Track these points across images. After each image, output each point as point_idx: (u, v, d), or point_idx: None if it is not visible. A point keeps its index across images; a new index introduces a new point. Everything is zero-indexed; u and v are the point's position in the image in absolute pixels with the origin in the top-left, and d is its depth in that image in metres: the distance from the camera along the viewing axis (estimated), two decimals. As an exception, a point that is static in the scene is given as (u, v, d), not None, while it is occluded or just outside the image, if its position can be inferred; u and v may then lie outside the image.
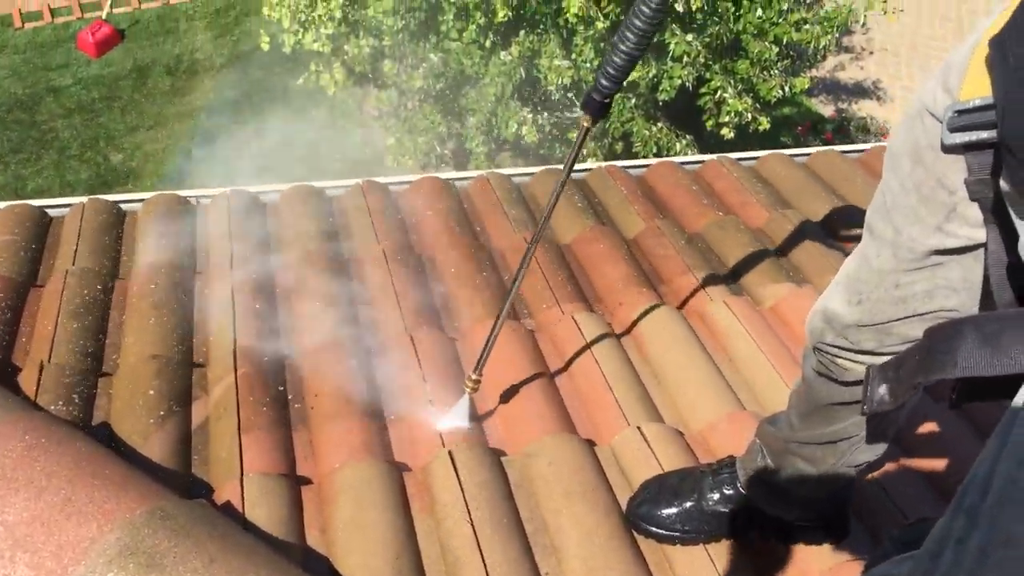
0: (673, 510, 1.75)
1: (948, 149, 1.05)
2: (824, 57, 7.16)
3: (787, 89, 6.10)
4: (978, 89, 0.99)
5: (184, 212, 2.59)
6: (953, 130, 1.02)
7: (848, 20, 5.94)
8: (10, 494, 1.50)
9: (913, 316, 1.23)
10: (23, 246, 2.40)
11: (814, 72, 8.75)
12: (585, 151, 6.32)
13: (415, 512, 1.77)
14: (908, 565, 1.07)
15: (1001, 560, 0.79)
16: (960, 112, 1.01)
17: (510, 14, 5.43)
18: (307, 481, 1.82)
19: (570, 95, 6.04)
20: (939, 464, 1.97)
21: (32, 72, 8.42)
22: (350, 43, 5.95)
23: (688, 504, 1.75)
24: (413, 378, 2.07)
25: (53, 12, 8.95)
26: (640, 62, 5.15)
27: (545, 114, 6.15)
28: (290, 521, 1.69)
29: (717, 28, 5.87)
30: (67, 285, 2.22)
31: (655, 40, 5.83)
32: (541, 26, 5.85)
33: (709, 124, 6.11)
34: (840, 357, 1.37)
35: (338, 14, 5.75)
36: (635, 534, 1.77)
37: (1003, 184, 0.98)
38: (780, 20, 5.91)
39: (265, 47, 6.25)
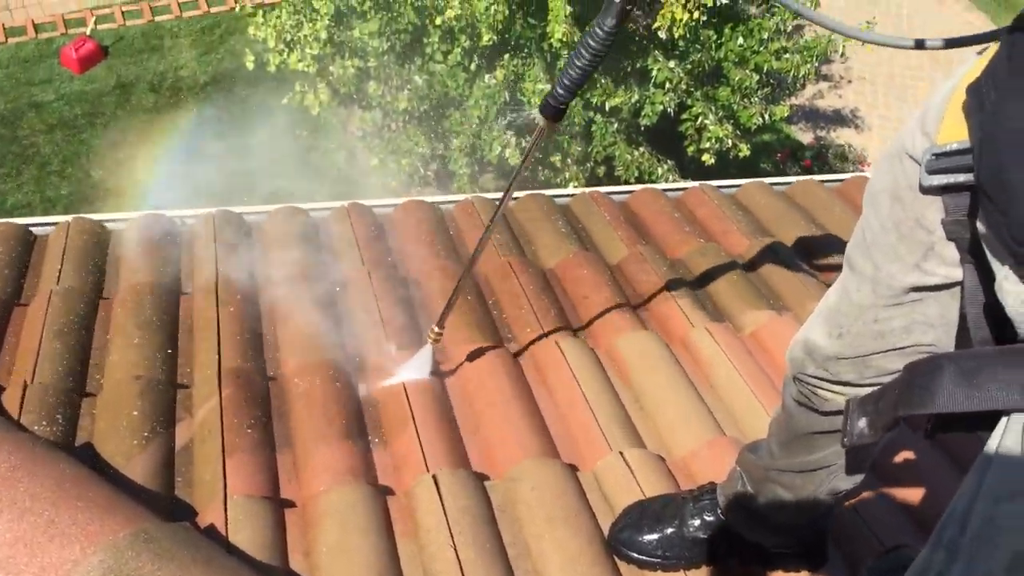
0: (654, 536, 1.76)
1: (926, 190, 1.08)
2: (803, 85, 7.27)
3: (767, 116, 6.19)
4: (955, 133, 1.03)
5: (169, 232, 2.59)
6: (931, 172, 1.05)
7: (827, 49, 6.04)
8: (-8, 515, 1.50)
9: (892, 350, 1.26)
10: (7, 264, 2.40)
11: (794, 100, 8.88)
12: (567, 175, 6.37)
13: (398, 536, 1.78)
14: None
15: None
16: (938, 155, 1.04)
17: (495, 38, 5.48)
18: (291, 504, 1.82)
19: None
20: (916, 493, 2.00)
21: (14, 87, 8.38)
22: (335, 64, 5.98)
23: (669, 530, 1.76)
24: (398, 401, 2.08)
25: (37, 27, 8.92)
26: (624, 87, 5.16)
27: (528, 137, 6.19)
28: (274, 544, 1.69)
29: (699, 56, 5.95)
30: (51, 304, 2.22)
31: (637, 66, 5.91)
32: (525, 50, 5.91)
33: (690, 150, 6.18)
34: (820, 388, 1.39)
35: (324, 35, 5.78)
36: (616, 560, 1.78)
37: (979, 226, 1.01)
38: (761, 49, 6.01)
39: (250, 66, 6.27)
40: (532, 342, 2.34)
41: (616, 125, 6.22)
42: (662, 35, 5.30)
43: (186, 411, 2.01)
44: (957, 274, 1.11)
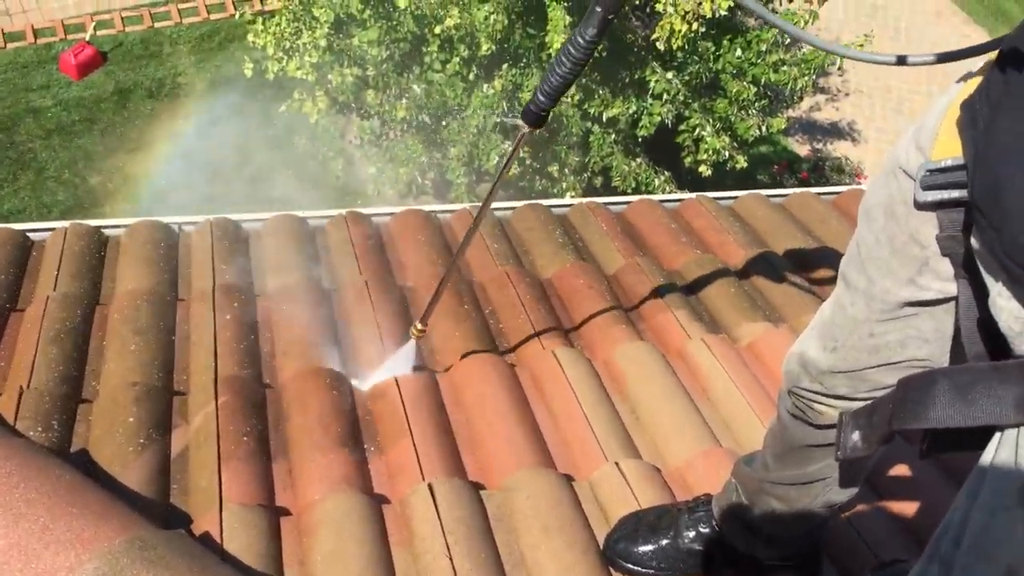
0: (649, 547, 1.76)
1: (920, 206, 1.08)
2: (801, 98, 7.30)
3: (764, 128, 6.21)
4: (949, 149, 1.03)
5: (167, 238, 2.59)
6: (926, 188, 1.06)
7: (825, 62, 6.06)
8: (-13, 521, 1.49)
9: (886, 364, 1.26)
10: (3, 269, 2.40)
11: (791, 112, 8.90)
12: (564, 185, 6.38)
13: (393, 545, 1.78)
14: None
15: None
16: (932, 171, 1.05)
17: (494, 47, 5.49)
18: (286, 512, 1.82)
19: (553, 126, 6.09)
20: (911, 506, 2.00)
21: (12, 92, 8.39)
22: (334, 72, 5.98)
23: (664, 542, 1.76)
24: (394, 409, 2.08)
25: (36, 33, 8.93)
26: (621, 98, 5.15)
27: (526, 148, 6.20)
28: (269, 553, 1.69)
29: (697, 67, 5.97)
30: (48, 310, 2.22)
31: (635, 76, 5.93)
32: (524, 60, 5.92)
33: (687, 161, 6.19)
34: (815, 401, 1.40)
35: (323, 43, 5.78)
36: (612, 570, 1.78)
37: (973, 241, 1.02)
38: (759, 61, 6.03)
39: (249, 73, 6.27)
40: (529, 352, 2.34)
41: (613, 136, 6.24)
42: (660, 46, 5.31)
43: (182, 418, 2.01)
44: (952, 289, 1.11)
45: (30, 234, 2.60)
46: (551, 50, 5.29)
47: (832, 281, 1.34)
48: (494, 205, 3.03)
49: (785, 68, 6.02)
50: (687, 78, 5.93)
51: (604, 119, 5.93)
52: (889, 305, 1.20)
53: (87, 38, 8.84)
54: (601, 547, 1.82)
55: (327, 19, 5.71)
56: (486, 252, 2.71)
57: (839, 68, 8.19)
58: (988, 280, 1.00)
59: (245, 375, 2.11)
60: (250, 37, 6.08)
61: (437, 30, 5.54)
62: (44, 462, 1.64)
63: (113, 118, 8.31)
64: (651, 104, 5.93)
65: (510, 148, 1.78)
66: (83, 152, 7.98)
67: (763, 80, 6.05)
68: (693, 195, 3.24)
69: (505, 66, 5.86)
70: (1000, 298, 0.97)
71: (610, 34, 5.62)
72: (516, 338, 2.40)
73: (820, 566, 1.77)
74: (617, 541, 1.80)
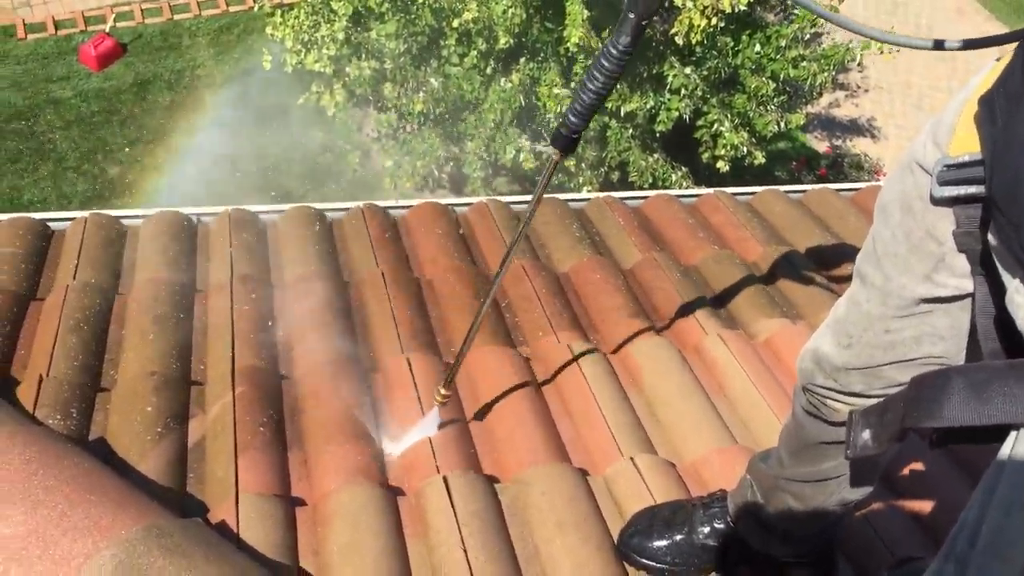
0: (664, 542, 1.76)
1: (937, 202, 1.08)
2: (820, 94, 7.24)
3: (783, 124, 6.17)
4: (967, 145, 1.02)
5: (185, 229, 2.60)
6: (942, 183, 1.05)
7: (845, 58, 6.02)
8: (6, 507, 1.51)
9: (901, 361, 1.26)
10: (24, 259, 2.42)
11: (810, 108, 8.85)
12: (581, 179, 6.37)
13: (408, 537, 1.78)
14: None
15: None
16: (949, 167, 1.04)
17: (511, 41, 5.48)
18: (302, 503, 1.83)
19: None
20: (927, 504, 1.99)
21: (33, 83, 8.44)
22: (352, 65, 5.99)
23: (679, 537, 1.76)
24: (409, 400, 2.08)
25: (57, 24, 8.98)
26: (639, 93, 5.15)
27: (543, 141, 6.20)
28: (284, 543, 1.70)
29: (715, 62, 5.95)
30: (67, 299, 2.23)
31: (653, 71, 5.91)
32: (542, 54, 5.91)
33: (705, 157, 6.17)
34: (830, 398, 1.39)
35: (341, 36, 5.79)
36: (626, 565, 1.78)
37: (990, 238, 1.01)
38: (778, 56, 5.99)
39: (267, 66, 6.29)
40: (544, 346, 2.34)
41: (631, 131, 6.22)
42: (679, 41, 5.30)
43: (199, 408, 2.02)
44: (968, 286, 1.11)
45: (50, 223, 2.62)
46: (569, 44, 5.28)
47: (851, 278, 1.33)
48: (511, 199, 3.03)
49: (804, 64, 5.98)
50: (705, 73, 5.91)
51: (622, 114, 5.91)
52: (905, 301, 1.20)
53: (107, 29, 8.89)
54: (615, 542, 1.82)
55: (345, 12, 5.72)
56: (502, 245, 2.71)
57: (859, 64, 8.12)
58: (1005, 277, 1.00)
59: (262, 366, 2.12)
60: (268, 30, 6.10)
61: (455, 23, 5.54)
62: (63, 450, 1.65)
63: (132, 109, 8.35)
64: (669, 99, 5.91)
65: (542, 175, 1.66)
66: (102, 143, 8.03)
67: (782, 75, 6.01)
68: (711, 190, 3.23)
69: (523, 60, 5.85)
70: (1017, 295, 0.96)
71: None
72: (532, 332, 2.40)
73: (835, 564, 1.76)
74: (632, 536, 1.80)
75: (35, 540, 1.46)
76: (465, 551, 1.71)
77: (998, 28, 10.69)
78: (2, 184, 7.51)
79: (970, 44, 1.12)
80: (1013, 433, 0.88)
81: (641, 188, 6.14)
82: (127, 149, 8.01)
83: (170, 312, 2.25)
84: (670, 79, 5.79)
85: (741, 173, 6.63)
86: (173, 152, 7.95)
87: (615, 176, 6.60)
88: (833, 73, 6.23)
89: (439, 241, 2.69)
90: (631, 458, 1.99)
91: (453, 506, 1.79)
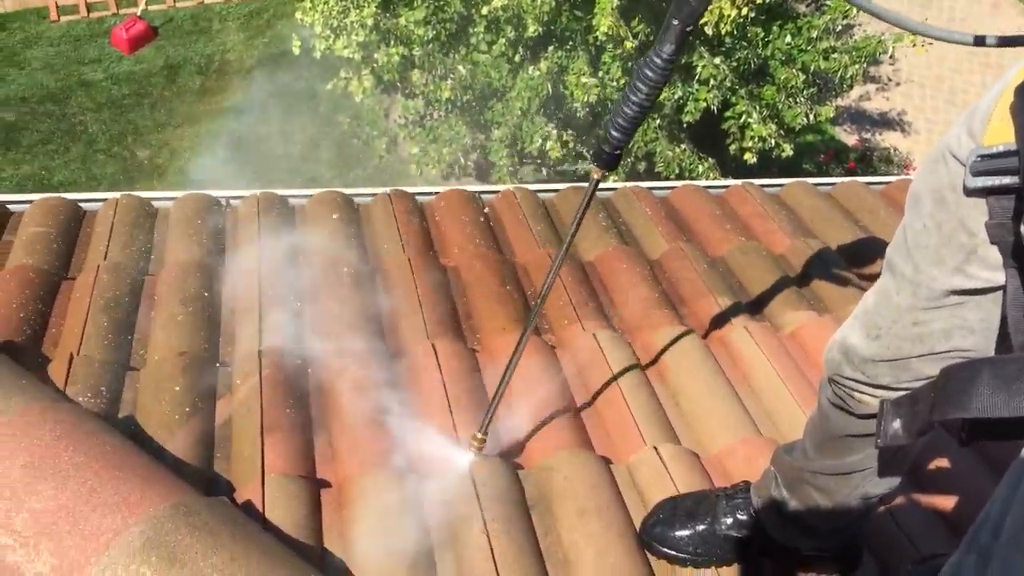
0: (686, 532, 1.76)
1: (970, 192, 1.07)
2: (851, 86, 7.17)
3: (812, 117, 6.12)
4: (1002, 135, 1.01)
5: (215, 212, 2.62)
6: (976, 174, 1.04)
7: (877, 51, 5.96)
8: (37, 482, 1.53)
9: (930, 354, 1.25)
10: (56, 239, 2.45)
11: (839, 101, 8.77)
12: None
13: (432, 521, 1.79)
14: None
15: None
16: (983, 157, 1.03)
17: (540, 29, 5.47)
18: (326, 484, 1.84)
19: (598, 110, 6.07)
20: (952, 500, 1.98)
21: (65, 65, 8.53)
22: (380, 51, 6.00)
23: (701, 527, 1.76)
24: (434, 386, 2.09)
25: (89, 7, 9.06)
26: (667, 84, 5.13)
27: (570, 130, 6.18)
28: (309, 523, 1.71)
29: (745, 53, 5.91)
30: (98, 279, 2.26)
31: (682, 61, 5.87)
32: (570, 43, 5.89)
33: (732, 148, 6.13)
34: (856, 390, 1.38)
35: (370, 22, 5.80)
36: (648, 554, 1.79)
37: (1023, 229, 1.00)
38: (809, 48, 5.94)
39: (296, 51, 6.31)
40: (569, 334, 2.34)
41: (658, 121, 6.20)
42: (708, 31, 5.26)
43: (226, 389, 2.04)
44: (999, 278, 1.10)
45: (82, 204, 2.65)
46: (597, 33, 5.26)
47: (879, 272, 1.32)
48: (537, 187, 3.03)
49: (836, 55, 5.93)
50: (735, 64, 5.87)
51: (634, 135, 5.88)
52: (935, 293, 1.19)
53: (139, 13, 8.96)
54: (638, 530, 1.82)
55: (375, -2, 5.73)
56: (528, 234, 2.72)
57: (891, 57, 8.04)
58: None
59: (289, 348, 2.14)
60: (298, 15, 6.13)
61: (484, 11, 5.54)
62: (92, 427, 1.67)
63: (162, 93, 8.42)
64: (697, 89, 5.88)
65: (585, 194, 1.60)
66: (132, 126, 8.10)
67: (812, 67, 5.96)
68: (739, 182, 3.21)
69: (551, 48, 5.84)
70: (1050, 288, 0.96)
71: (656, 18, 5.58)
72: (557, 320, 2.40)
73: (859, 559, 1.75)
74: (654, 525, 1.80)
75: (65, 515, 1.48)
76: (488, 536, 1.72)
77: (1034, 22, 10.53)
78: (34, 165, 7.60)
79: (1008, 41, 1.10)
80: None
81: (667, 179, 6.12)
82: (156, 132, 8.07)
83: (199, 293, 2.27)
84: (699, 69, 5.76)
85: (768, 165, 6.59)
86: (202, 136, 8.01)
87: (641, 167, 6.58)
88: (864, 65, 6.17)
89: (466, 228, 2.69)
90: (655, 447, 1.99)
91: (476, 491, 1.80)
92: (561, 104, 6.10)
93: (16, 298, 2.18)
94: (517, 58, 5.90)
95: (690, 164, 6.28)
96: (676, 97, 5.92)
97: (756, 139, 5.87)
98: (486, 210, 2.82)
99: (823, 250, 2.80)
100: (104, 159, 7.79)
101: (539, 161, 6.91)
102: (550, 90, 5.88)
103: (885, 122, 9.43)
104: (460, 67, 6.04)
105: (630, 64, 5.67)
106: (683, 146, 6.35)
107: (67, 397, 1.87)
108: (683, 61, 5.91)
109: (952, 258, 1.14)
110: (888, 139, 9.22)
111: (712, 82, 5.77)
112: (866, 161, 8.84)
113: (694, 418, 2.15)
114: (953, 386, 0.91)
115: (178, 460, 1.80)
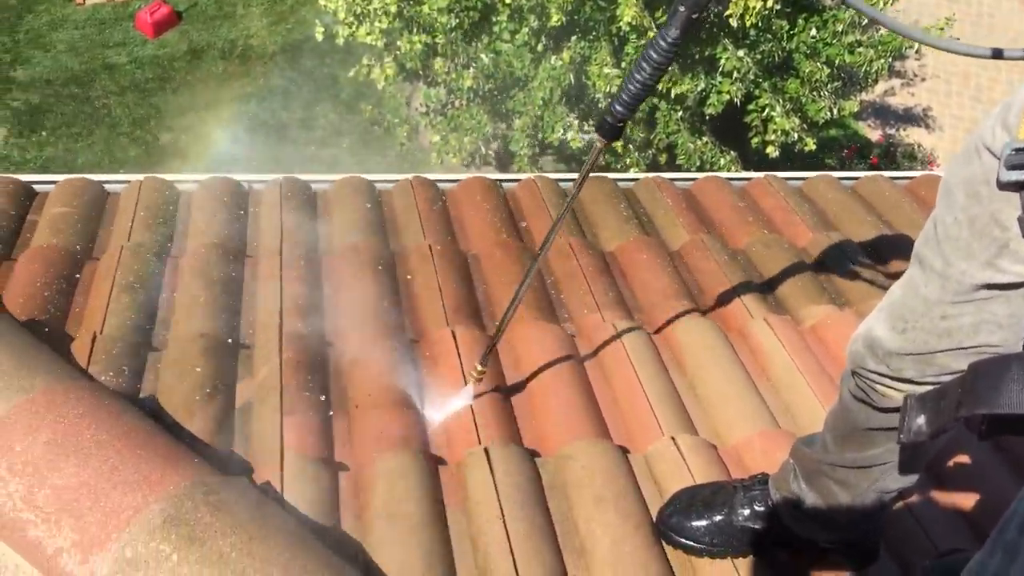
0: (703, 523, 1.76)
1: (1004, 186, 1.06)
2: (875, 81, 7.12)
3: (836, 111, 6.08)
4: None
5: (238, 195, 2.64)
6: (1010, 168, 1.03)
7: (902, 45, 5.91)
8: (60, 459, 1.54)
9: (957, 349, 1.24)
10: (80, 219, 2.47)
11: (864, 95, 8.70)
12: (628, 160, 6.34)
13: (448, 506, 1.80)
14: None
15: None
16: (1018, 150, 1.02)
17: (563, 19, 5.46)
18: (344, 467, 1.85)
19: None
20: (973, 497, 1.97)
21: (89, 48, 8.58)
22: (403, 39, 6.00)
23: (718, 518, 1.76)
24: (453, 372, 2.10)
25: (114, -10, 9.10)
26: (690, 75, 5.12)
27: (591, 121, 6.17)
28: (326, 505, 1.72)
29: (769, 45, 5.87)
30: (121, 259, 2.28)
31: (706, 53, 5.84)
32: (593, 33, 5.88)
33: (755, 141, 6.11)
34: (879, 384, 1.37)
35: (393, 9, 5.81)
36: (664, 544, 1.79)
37: (1056, 225, 0.99)
38: (834, 41, 5.90)
39: (319, 37, 6.32)
40: (589, 323, 2.34)
41: (680, 113, 6.18)
42: (733, 23, 5.24)
43: (247, 371, 2.05)
44: None
45: (107, 185, 2.67)
46: (621, 23, 5.24)
47: (902, 268, 1.32)
48: (559, 176, 3.03)
49: (861, 50, 5.89)
50: (759, 56, 5.84)
51: (672, 95, 5.86)
52: (964, 287, 1.18)
53: (163, -3, 8.99)
54: (654, 520, 1.82)
55: (398, -15, 5.73)
56: (549, 222, 2.71)
57: (916, 52, 7.98)
58: None
59: (309, 332, 2.15)
60: (321, 1, 6.13)
61: (507, 0, 5.52)
62: (114, 406, 1.69)
63: (185, 77, 8.46)
64: (720, 82, 5.85)
65: (586, 162, 1.70)
66: (155, 109, 8.15)
67: (837, 61, 5.92)
68: (761, 174, 3.20)
69: (574, 38, 5.82)
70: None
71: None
72: (576, 309, 2.40)
73: (876, 552, 1.75)
74: (671, 515, 1.79)
75: (86, 492, 1.49)
76: (504, 523, 1.72)
77: (1063, 19, 10.40)
78: (58, 147, 7.65)
79: None
80: None
81: (688, 171, 6.09)
82: (179, 116, 8.11)
83: (221, 275, 2.28)
84: (722, 62, 5.73)
85: (791, 159, 6.55)
86: (224, 120, 8.04)
87: (663, 158, 6.55)
88: (890, 60, 6.12)
89: (487, 216, 2.69)
90: (672, 437, 1.98)
91: (494, 477, 1.80)
92: (583, 95, 6.08)
93: (40, 277, 2.20)
94: (540, 47, 5.89)
95: (712, 157, 6.26)
96: (699, 89, 5.89)
97: (779, 132, 5.84)
98: (510, 207, 2.82)
99: (846, 244, 2.78)
100: (127, 142, 7.84)
101: (560, 152, 6.90)
102: (572, 80, 5.86)
103: (909, 118, 9.35)
104: (483, 56, 6.03)
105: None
106: (705, 138, 6.32)
107: (90, 376, 1.89)
108: (706, 53, 5.89)
109: (983, 252, 1.14)
110: (912, 135, 9.14)
111: (736, 75, 5.74)
112: (889, 157, 8.77)
113: (712, 409, 2.14)
114: (981, 381, 0.90)
115: (198, 440, 1.81)
